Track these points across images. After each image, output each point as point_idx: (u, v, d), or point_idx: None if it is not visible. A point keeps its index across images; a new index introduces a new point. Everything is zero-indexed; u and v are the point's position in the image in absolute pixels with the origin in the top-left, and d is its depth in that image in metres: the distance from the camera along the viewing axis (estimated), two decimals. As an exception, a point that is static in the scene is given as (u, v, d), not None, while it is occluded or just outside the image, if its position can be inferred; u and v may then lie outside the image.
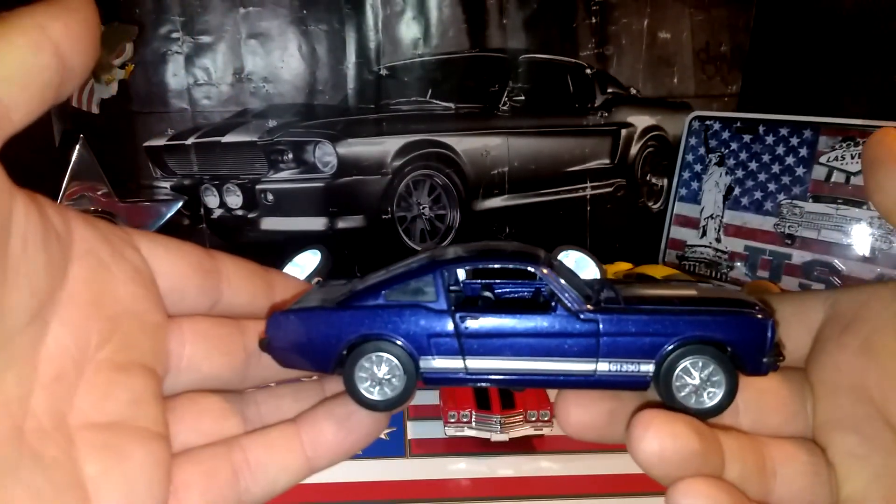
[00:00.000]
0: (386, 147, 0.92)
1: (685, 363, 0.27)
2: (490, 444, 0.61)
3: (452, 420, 0.61)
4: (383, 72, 0.91)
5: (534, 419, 0.61)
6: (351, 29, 0.90)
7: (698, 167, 0.93)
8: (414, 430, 0.64)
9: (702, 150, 0.93)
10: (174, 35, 0.88)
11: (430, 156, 0.93)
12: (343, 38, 0.90)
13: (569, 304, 0.27)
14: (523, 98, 0.94)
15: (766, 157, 0.87)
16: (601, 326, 0.27)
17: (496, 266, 0.30)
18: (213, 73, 0.90)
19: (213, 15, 0.88)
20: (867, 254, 0.79)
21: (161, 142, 0.91)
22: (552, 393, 0.68)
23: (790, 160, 0.85)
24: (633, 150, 0.98)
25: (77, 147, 0.83)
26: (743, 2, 0.96)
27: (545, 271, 0.28)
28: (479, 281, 0.32)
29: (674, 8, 0.94)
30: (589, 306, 0.27)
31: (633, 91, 0.97)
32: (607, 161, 0.98)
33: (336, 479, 0.57)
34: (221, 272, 0.29)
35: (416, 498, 0.56)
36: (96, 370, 0.24)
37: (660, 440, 0.24)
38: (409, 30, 0.91)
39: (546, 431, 0.62)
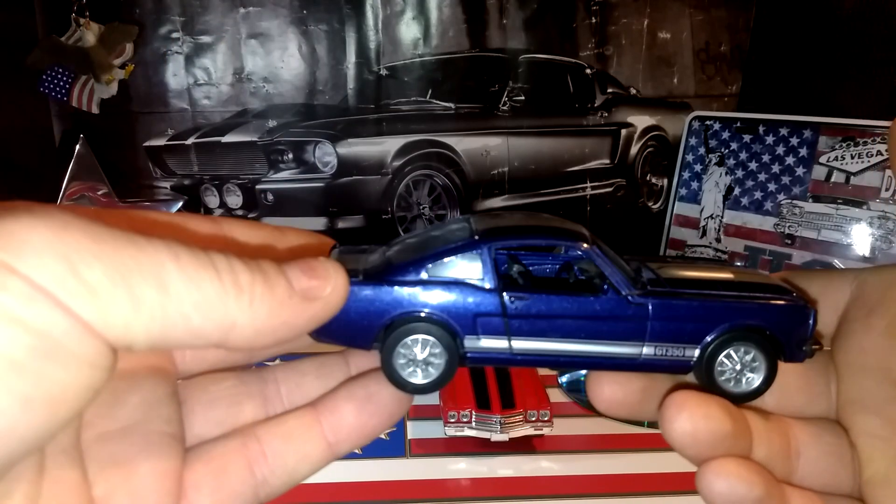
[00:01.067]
0: (386, 147, 0.92)
1: (729, 349, 0.27)
2: (490, 444, 0.61)
3: (452, 420, 0.61)
4: (383, 72, 0.91)
5: (534, 419, 0.61)
6: (351, 29, 0.90)
7: (698, 167, 0.93)
8: (414, 430, 0.64)
9: (702, 150, 0.93)
10: (174, 35, 0.88)
11: (430, 156, 0.93)
12: (343, 38, 0.90)
13: (619, 288, 0.27)
14: (523, 98, 0.94)
15: (766, 157, 0.87)
16: (650, 311, 0.27)
17: (542, 244, 0.29)
18: (213, 73, 0.90)
19: (213, 15, 0.88)
20: (867, 254, 0.79)
21: (161, 142, 0.91)
22: (553, 393, 0.68)
23: (790, 160, 0.85)
24: (633, 150, 0.98)
25: (77, 147, 0.82)
26: (743, 2, 0.96)
27: (596, 253, 0.27)
28: (505, 252, 0.31)
29: (674, 8, 0.94)
30: (637, 291, 0.27)
31: (633, 91, 0.97)
32: (607, 161, 0.98)
33: (336, 479, 0.57)
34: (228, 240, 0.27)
35: (416, 498, 0.56)
36: None
37: (692, 421, 0.25)
38: (409, 30, 0.91)
39: (546, 431, 0.62)
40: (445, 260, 0.27)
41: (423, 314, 0.26)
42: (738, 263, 0.89)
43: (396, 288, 0.26)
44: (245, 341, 0.19)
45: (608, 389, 0.27)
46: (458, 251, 0.27)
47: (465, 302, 0.26)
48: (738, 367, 0.27)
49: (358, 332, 0.26)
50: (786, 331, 0.27)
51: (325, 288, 0.21)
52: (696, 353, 0.27)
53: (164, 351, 0.26)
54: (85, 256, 0.17)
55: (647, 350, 0.27)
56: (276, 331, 0.20)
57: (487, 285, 0.27)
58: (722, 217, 0.91)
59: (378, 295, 0.26)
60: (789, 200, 0.85)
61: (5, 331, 0.15)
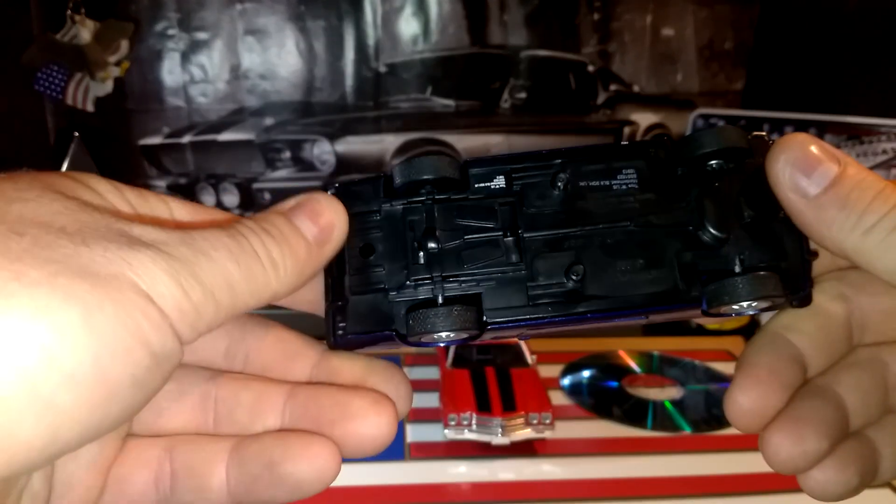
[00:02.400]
0: (384, 145, 0.91)
1: None
2: (491, 447, 0.60)
3: (452, 423, 0.60)
4: (382, 69, 0.90)
5: (535, 422, 0.60)
6: (349, 25, 0.89)
7: (702, 166, 0.92)
8: (413, 432, 0.63)
9: (705, 149, 0.92)
10: (170, 32, 0.87)
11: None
12: (341, 34, 0.89)
13: None
14: (524, 95, 0.93)
15: (770, 156, 0.86)
16: None
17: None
18: (209, 70, 0.89)
19: (209, 11, 0.87)
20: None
21: (157, 140, 0.90)
22: (555, 395, 0.67)
23: (795, 158, 0.84)
24: (636, 148, 0.98)
25: (72, 145, 0.82)
26: (747, -2, 0.95)
27: None
28: None
29: (677, 4, 0.94)
30: None
31: (636, 88, 0.96)
32: (609, 159, 0.97)
33: (333, 483, 0.56)
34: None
35: (415, 502, 0.55)
36: None
37: (789, 452, 0.24)
38: (408, 26, 0.90)
39: (548, 434, 0.61)
40: None
41: None
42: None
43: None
44: (278, 299, 0.23)
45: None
46: None
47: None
48: None
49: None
50: None
51: (334, 231, 0.23)
52: None
53: None
54: (189, 280, 0.19)
55: None
56: (304, 281, 0.23)
57: None
58: (726, 216, 0.90)
59: None
60: (795, 199, 0.84)
61: (140, 354, 0.18)
